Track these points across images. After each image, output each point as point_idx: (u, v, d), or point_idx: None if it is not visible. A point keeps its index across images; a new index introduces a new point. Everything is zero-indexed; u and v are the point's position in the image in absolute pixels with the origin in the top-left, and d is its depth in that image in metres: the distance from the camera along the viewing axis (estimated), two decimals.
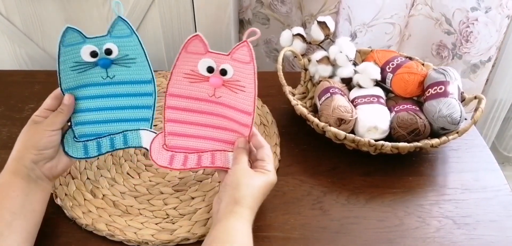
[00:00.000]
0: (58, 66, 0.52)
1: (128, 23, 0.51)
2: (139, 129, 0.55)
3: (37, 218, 0.49)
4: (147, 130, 0.55)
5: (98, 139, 0.55)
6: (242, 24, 1.05)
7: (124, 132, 0.55)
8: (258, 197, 0.49)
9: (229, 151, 0.54)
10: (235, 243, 0.44)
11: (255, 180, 0.49)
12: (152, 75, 0.53)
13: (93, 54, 0.52)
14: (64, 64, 0.52)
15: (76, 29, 0.51)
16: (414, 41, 1.01)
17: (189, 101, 0.54)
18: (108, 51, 0.52)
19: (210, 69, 0.52)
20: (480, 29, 0.90)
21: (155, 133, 0.55)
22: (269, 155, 0.53)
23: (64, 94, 0.53)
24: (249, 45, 0.51)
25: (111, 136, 0.55)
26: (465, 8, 0.89)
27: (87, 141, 0.54)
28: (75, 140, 0.54)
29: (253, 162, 0.54)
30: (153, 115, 0.55)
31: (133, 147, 0.56)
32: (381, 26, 0.93)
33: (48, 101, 0.52)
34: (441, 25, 0.95)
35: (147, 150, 0.55)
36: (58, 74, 0.52)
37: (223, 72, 0.52)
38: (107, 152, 0.55)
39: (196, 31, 0.87)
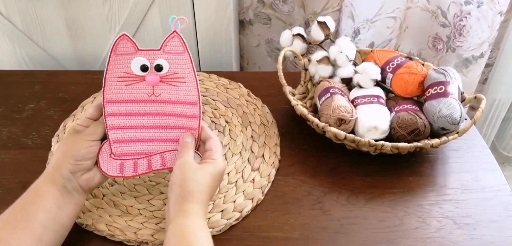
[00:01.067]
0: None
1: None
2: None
3: (65, 234, 0.48)
4: None
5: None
6: (243, 25, 1.05)
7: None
8: (206, 189, 0.47)
9: (169, 152, 0.53)
10: (189, 244, 0.42)
11: (201, 173, 0.48)
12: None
13: (144, 68, 0.50)
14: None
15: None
16: (411, 33, 1.01)
17: (129, 105, 0.52)
18: (159, 67, 0.51)
19: (144, 68, 0.50)
20: (473, 23, 0.90)
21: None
22: (216, 144, 0.51)
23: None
24: (179, 35, 0.49)
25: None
26: (459, 1, 0.89)
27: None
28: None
29: (202, 154, 0.52)
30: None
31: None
32: (384, 21, 0.93)
33: (90, 111, 0.52)
34: (437, 17, 0.96)
35: None
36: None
37: (159, 68, 0.50)
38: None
39: (196, 31, 0.87)
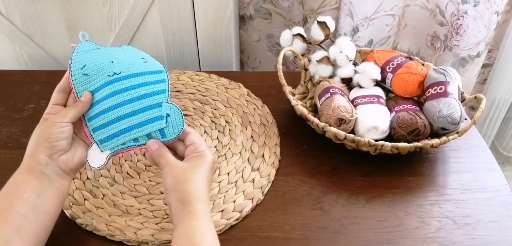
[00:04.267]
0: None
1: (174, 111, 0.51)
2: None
3: (49, 221, 0.47)
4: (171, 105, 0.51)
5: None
6: (243, 20, 1.05)
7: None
8: (203, 185, 0.46)
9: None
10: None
11: (192, 171, 0.46)
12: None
13: None
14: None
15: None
16: (410, 31, 1.01)
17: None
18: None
19: None
20: (469, 23, 0.91)
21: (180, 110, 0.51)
22: (197, 137, 0.50)
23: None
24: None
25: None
26: (456, 0, 0.89)
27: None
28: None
29: (183, 153, 0.50)
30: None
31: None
32: (382, 18, 0.94)
33: (54, 96, 0.51)
34: (435, 16, 0.96)
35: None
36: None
37: None
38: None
39: (196, 31, 0.87)
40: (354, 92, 0.69)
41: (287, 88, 0.68)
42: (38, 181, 0.46)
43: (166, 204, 0.57)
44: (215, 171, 0.50)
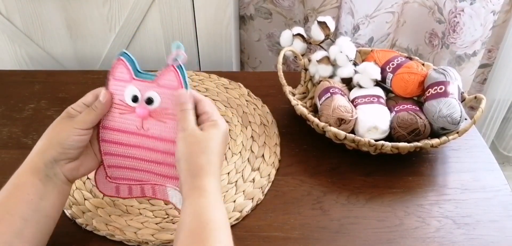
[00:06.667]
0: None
1: (181, 72, 0.46)
2: (166, 186, 0.51)
3: (50, 224, 0.46)
4: (174, 188, 0.51)
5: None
6: (243, 20, 1.05)
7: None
8: (216, 158, 0.44)
9: (167, 186, 0.51)
10: (210, 232, 0.40)
11: (206, 142, 0.44)
12: None
13: (134, 99, 0.48)
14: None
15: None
16: (409, 28, 1.02)
17: (119, 134, 0.49)
18: (149, 100, 0.47)
19: (135, 99, 0.48)
20: (466, 21, 0.91)
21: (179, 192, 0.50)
22: (210, 105, 0.48)
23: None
24: (176, 70, 0.46)
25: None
26: None
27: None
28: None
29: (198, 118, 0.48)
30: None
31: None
32: (383, 16, 0.94)
33: (89, 97, 0.48)
34: (433, 13, 0.96)
35: (173, 205, 0.52)
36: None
37: (149, 101, 0.47)
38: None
39: (196, 31, 0.87)
40: (354, 92, 0.69)
41: (287, 88, 0.68)
42: (42, 183, 0.44)
43: (166, 204, 0.57)
44: (228, 143, 0.47)
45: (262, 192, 0.59)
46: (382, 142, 0.60)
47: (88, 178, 0.60)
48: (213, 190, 0.43)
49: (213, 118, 0.46)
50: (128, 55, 0.47)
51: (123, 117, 0.49)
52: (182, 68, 0.47)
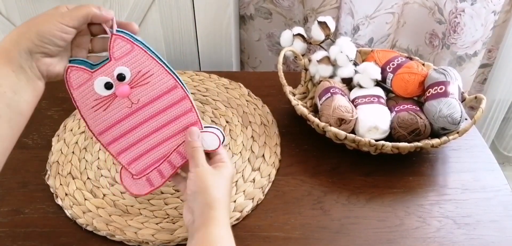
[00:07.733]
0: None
1: (125, 34, 0.45)
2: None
3: (22, 123, 0.42)
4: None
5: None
6: (243, 20, 1.05)
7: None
8: (226, 194, 0.47)
9: (181, 145, 0.51)
10: None
11: (221, 179, 0.47)
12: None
13: (108, 85, 0.47)
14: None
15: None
16: (409, 29, 1.02)
17: (117, 127, 0.49)
18: (121, 77, 0.46)
19: (108, 85, 0.47)
20: (466, 21, 0.91)
21: (211, 126, 0.51)
22: (222, 148, 0.50)
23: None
24: (118, 34, 0.45)
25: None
26: None
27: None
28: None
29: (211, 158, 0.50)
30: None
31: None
32: (383, 16, 0.94)
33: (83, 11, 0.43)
34: (434, 14, 0.96)
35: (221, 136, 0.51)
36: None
37: (121, 77, 0.46)
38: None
39: (196, 31, 0.87)
40: (355, 92, 0.69)
41: (288, 88, 0.68)
42: (15, 74, 0.40)
43: (166, 204, 0.57)
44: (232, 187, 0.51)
45: (263, 192, 0.59)
46: (383, 142, 0.60)
47: (88, 178, 0.60)
48: (226, 222, 0.45)
49: (224, 160, 0.49)
50: (75, 60, 0.46)
51: (110, 111, 0.48)
52: (122, 31, 0.46)
